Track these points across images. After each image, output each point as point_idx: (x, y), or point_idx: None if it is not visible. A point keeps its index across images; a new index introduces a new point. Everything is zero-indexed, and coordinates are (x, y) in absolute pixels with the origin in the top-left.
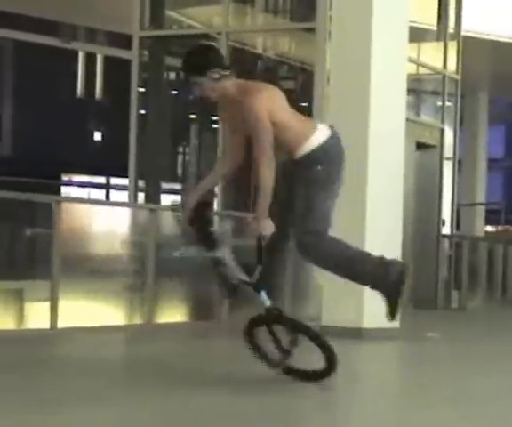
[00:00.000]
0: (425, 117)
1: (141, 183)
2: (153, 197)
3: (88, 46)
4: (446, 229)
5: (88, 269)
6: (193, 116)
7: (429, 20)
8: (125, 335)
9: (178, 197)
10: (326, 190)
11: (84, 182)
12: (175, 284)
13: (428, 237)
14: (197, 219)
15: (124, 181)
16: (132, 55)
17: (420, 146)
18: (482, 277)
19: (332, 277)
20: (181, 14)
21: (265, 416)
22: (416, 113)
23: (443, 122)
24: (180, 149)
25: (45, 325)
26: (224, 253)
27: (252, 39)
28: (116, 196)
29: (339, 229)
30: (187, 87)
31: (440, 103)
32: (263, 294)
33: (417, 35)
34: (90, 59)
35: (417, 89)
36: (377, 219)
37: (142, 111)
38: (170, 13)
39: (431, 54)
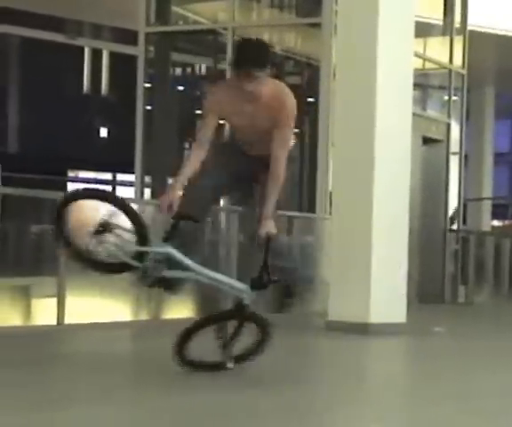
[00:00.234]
0: (431, 112)
1: (148, 179)
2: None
3: (94, 42)
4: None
5: None
6: (199, 112)
7: (435, 15)
8: (132, 331)
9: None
10: None
11: (91, 179)
12: None
13: (435, 232)
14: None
15: (130, 178)
16: (138, 51)
17: (427, 140)
18: (488, 272)
19: (340, 273)
20: (187, 10)
21: (274, 414)
22: (422, 108)
23: (449, 116)
24: (187, 145)
25: (52, 321)
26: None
27: (257, 34)
28: (122, 192)
29: (346, 223)
30: (194, 82)
31: (446, 98)
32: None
33: (423, 29)
34: (96, 55)
35: (423, 83)
36: (383, 213)
37: (148, 107)
38: (176, 9)
39: (437, 49)
